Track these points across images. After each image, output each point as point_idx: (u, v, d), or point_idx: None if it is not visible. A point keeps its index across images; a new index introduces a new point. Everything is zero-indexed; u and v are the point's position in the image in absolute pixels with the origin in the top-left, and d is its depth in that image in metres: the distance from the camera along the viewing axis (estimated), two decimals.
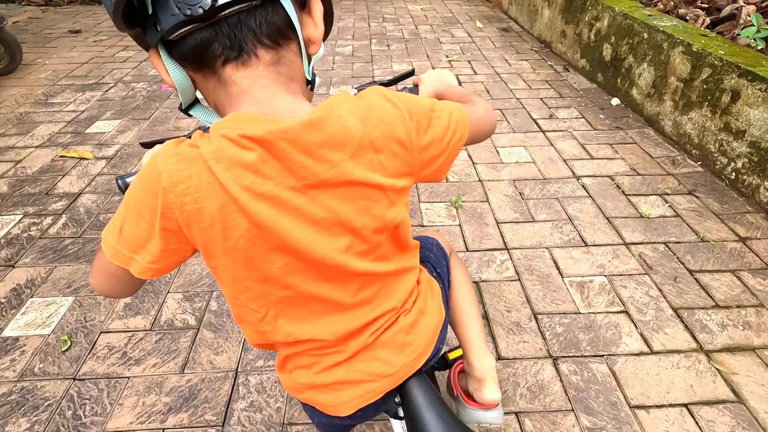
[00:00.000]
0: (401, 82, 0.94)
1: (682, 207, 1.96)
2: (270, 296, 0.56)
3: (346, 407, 0.64)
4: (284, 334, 0.59)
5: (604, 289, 1.57)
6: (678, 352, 1.36)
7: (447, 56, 3.77)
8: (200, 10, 0.45)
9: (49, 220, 1.90)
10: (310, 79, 0.57)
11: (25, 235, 1.82)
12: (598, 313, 1.48)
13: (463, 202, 2.00)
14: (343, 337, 0.61)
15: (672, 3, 2.84)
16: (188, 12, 0.45)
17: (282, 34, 0.51)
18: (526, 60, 3.68)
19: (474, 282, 1.60)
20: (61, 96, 3.06)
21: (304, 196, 0.49)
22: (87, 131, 2.62)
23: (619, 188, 2.08)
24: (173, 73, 0.51)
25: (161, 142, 0.78)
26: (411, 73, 0.94)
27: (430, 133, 0.56)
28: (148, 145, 0.79)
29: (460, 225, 1.88)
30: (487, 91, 3.12)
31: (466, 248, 1.75)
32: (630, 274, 1.62)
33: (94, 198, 2.04)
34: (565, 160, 2.31)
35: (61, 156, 2.36)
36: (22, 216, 1.92)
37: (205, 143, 0.47)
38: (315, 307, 0.58)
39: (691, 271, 1.63)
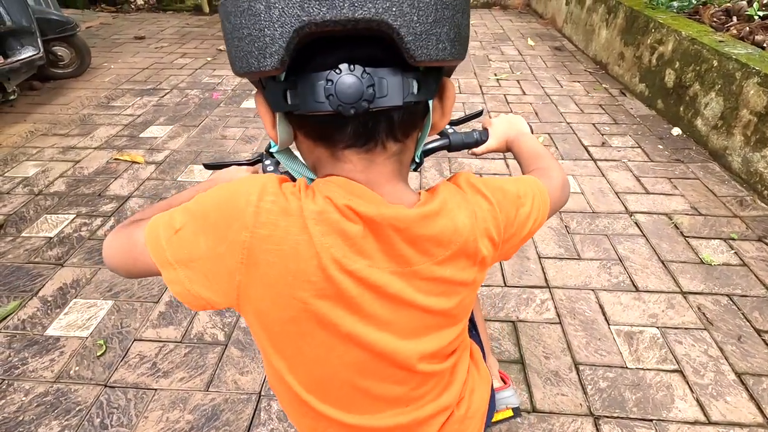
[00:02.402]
0: (469, 122, 0.91)
1: (749, 255, 1.77)
2: (320, 382, 0.52)
3: None
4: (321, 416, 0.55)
5: (656, 342, 1.43)
6: (740, 425, 1.21)
7: (495, 74, 3.68)
8: (352, 111, 0.40)
9: (98, 221, 1.99)
10: (418, 162, 0.56)
11: (75, 235, 1.91)
12: (648, 369, 1.35)
13: None
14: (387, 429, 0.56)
15: (747, 29, 2.63)
16: (338, 109, 0.40)
17: (415, 127, 0.49)
18: (579, 82, 3.53)
19: (510, 321, 1.51)
20: (121, 100, 3.24)
21: (400, 281, 0.47)
22: (141, 135, 2.74)
23: (678, 228, 1.92)
24: (281, 132, 0.47)
25: (226, 165, 0.77)
26: (479, 114, 0.90)
27: (515, 225, 0.54)
28: (211, 167, 0.77)
29: None
30: (536, 114, 3.00)
31: (505, 283, 1.66)
32: (686, 328, 1.48)
33: (140, 202, 2.11)
34: (617, 193, 2.16)
35: (116, 159, 2.47)
36: (75, 216, 2.02)
37: (310, 200, 0.44)
38: (364, 401, 0.54)
39: (758, 331, 1.46)
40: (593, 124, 2.85)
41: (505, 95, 3.30)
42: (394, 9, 0.37)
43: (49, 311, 1.54)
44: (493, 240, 0.52)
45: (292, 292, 0.45)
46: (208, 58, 4.09)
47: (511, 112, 3.03)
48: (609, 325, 1.49)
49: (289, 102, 0.42)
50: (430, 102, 0.47)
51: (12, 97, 3.10)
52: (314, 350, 0.49)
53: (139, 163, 2.44)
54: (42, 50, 3.09)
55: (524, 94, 3.32)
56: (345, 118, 0.42)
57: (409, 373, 0.53)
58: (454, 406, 0.60)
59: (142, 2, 6.07)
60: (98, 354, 1.40)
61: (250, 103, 3.21)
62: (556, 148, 2.57)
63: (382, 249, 0.46)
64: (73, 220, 2.00)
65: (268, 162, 0.76)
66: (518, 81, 3.56)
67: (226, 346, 1.43)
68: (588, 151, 2.53)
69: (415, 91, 0.42)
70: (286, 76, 0.42)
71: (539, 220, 0.58)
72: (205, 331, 1.48)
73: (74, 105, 3.17)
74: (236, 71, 0.42)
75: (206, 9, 5.82)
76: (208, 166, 0.74)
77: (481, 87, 3.44)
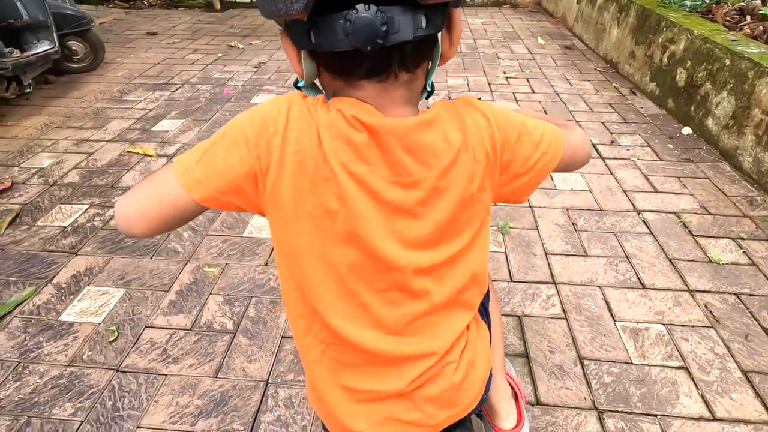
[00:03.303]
0: None
1: (759, 255, 1.76)
2: (320, 278, 0.55)
3: (359, 423, 0.60)
4: (322, 318, 0.57)
5: (662, 339, 1.43)
6: (746, 422, 1.21)
7: (504, 72, 3.67)
8: (368, 48, 0.45)
9: (111, 212, 2.02)
10: (429, 90, 0.59)
11: (89, 224, 1.94)
12: (653, 365, 1.35)
13: (510, 228, 1.92)
14: (379, 357, 0.58)
15: (761, 28, 2.60)
16: (356, 46, 0.45)
17: (425, 58, 0.53)
18: (589, 80, 3.51)
19: (515, 316, 1.52)
20: (133, 94, 3.29)
21: (397, 190, 0.51)
22: (153, 129, 2.78)
23: (686, 227, 1.91)
24: (306, 68, 0.52)
25: None
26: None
27: (516, 150, 0.56)
28: None
29: (505, 253, 1.80)
30: (545, 112, 2.99)
31: (511, 278, 1.67)
32: (693, 326, 1.48)
33: None
34: (625, 192, 2.16)
35: (128, 151, 2.51)
36: (88, 206, 2.06)
37: (323, 112, 0.50)
38: (357, 310, 0.56)
39: (766, 330, 1.46)
40: (603, 122, 2.84)
41: (514, 93, 3.29)
42: None
43: (63, 298, 1.58)
44: (488, 156, 0.54)
45: (312, 188, 0.50)
46: (219, 54, 4.13)
47: (519, 110, 3.02)
48: (615, 321, 1.50)
49: (313, 41, 0.47)
50: (439, 34, 0.51)
51: (28, 90, 3.16)
52: (321, 245, 0.53)
53: (150, 155, 2.48)
54: (57, 45, 3.15)
55: (533, 92, 3.32)
56: (362, 53, 0.46)
57: (401, 293, 0.56)
58: (439, 355, 0.60)
59: None
60: (110, 340, 1.43)
61: (259, 99, 3.24)
62: None
63: (384, 157, 0.50)
64: (86, 210, 2.04)
65: None
66: (527, 79, 3.55)
67: (235, 334, 1.45)
68: (597, 150, 2.52)
69: (424, 25, 0.46)
70: (309, 17, 0.45)
71: (550, 155, 0.58)
72: (214, 319, 1.50)
73: (88, 99, 3.22)
74: (265, 14, 0.47)
75: (217, 6, 5.87)
76: None
77: (489, 85, 3.43)
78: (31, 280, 1.65)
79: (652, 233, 1.89)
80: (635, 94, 3.25)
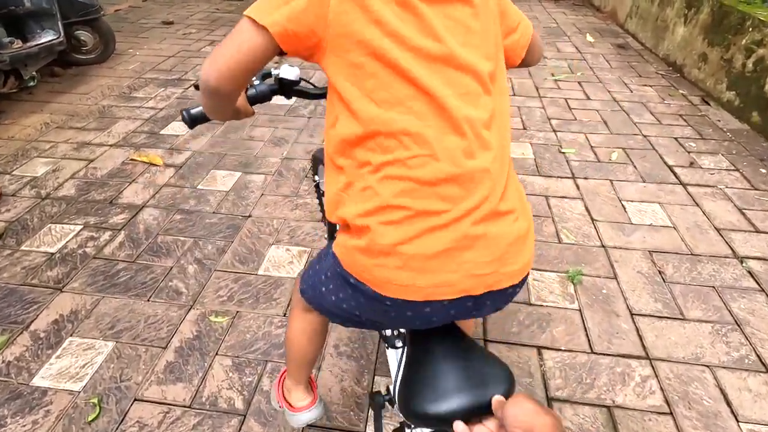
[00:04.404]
0: None
1: None
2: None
3: (418, 293, 0.58)
4: (374, 120, 0.57)
5: None
6: None
7: (552, 74, 3.28)
8: None
9: (107, 235, 1.74)
10: None
11: (80, 251, 1.66)
12: None
13: (583, 275, 1.56)
14: (443, 152, 0.56)
15: None
16: None
17: None
18: (650, 85, 3.09)
19: (604, 406, 1.18)
20: (143, 90, 3.00)
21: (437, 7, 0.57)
22: (161, 132, 2.49)
23: None
24: None
25: None
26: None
27: (509, 9, 0.70)
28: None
29: (580, 310, 1.45)
30: (605, 123, 2.60)
31: (591, 348, 1.32)
32: None
33: (155, 214, 1.85)
34: (718, 230, 1.78)
35: (132, 159, 2.23)
36: (82, 227, 1.78)
37: None
38: (414, 103, 0.57)
39: None
40: (675, 138, 2.44)
41: (566, 99, 2.90)
42: None
43: (39, 352, 1.30)
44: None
45: None
46: None
47: (575, 119, 2.65)
48: (737, 421, 1.14)
49: None
50: None
51: (31, 83, 2.90)
52: (393, 48, 0.55)
53: (157, 165, 2.19)
54: (63, 34, 2.87)
55: (588, 98, 2.92)
56: None
57: (477, 92, 0.59)
58: (500, 189, 0.60)
59: None
60: (90, 419, 1.13)
61: (280, 100, 2.91)
62: (635, 167, 2.18)
63: None
64: (79, 232, 1.75)
65: None
66: (579, 83, 3.15)
67: (245, 417, 1.14)
68: (674, 172, 2.14)
69: None
70: None
71: (526, 26, 0.73)
72: (219, 392, 1.20)
73: (94, 95, 2.94)
74: None
75: None
76: (198, 87, 0.72)
77: (537, 89, 3.05)
78: (5, 325, 1.38)
79: (763, 290, 1.51)
80: (708, 104, 2.82)
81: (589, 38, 4.05)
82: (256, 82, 0.87)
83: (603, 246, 1.70)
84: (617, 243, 1.71)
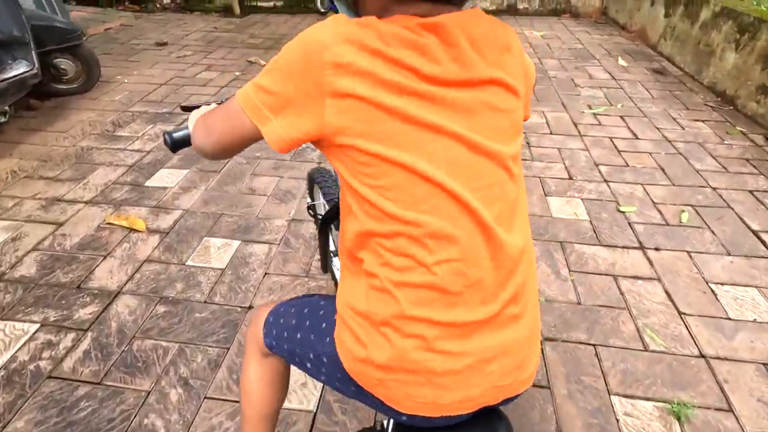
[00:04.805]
0: None
1: None
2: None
3: (437, 410, 0.54)
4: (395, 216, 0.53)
5: None
6: None
7: (590, 107, 2.93)
8: None
9: (69, 340, 1.36)
10: None
11: (32, 366, 1.29)
12: None
13: (690, 408, 1.19)
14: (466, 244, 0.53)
15: None
16: None
17: None
18: (703, 120, 2.75)
19: None
20: (129, 128, 2.64)
21: (466, 91, 0.52)
22: (147, 184, 2.13)
23: None
24: None
25: (207, 104, 0.76)
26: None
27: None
28: (188, 109, 0.75)
29: None
30: (662, 171, 2.25)
31: None
32: None
33: (133, 305, 1.48)
34: None
35: (109, 223, 1.86)
36: (38, 327, 1.41)
37: (382, 23, 0.50)
38: (435, 202, 0.52)
39: None
40: (750, 191, 2.08)
41: (611, 139, 2.55)
42: None
43: None
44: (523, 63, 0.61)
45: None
46: (237, 73, 3.47)
47: (626, 165, 2.29)
48: None
49: None
50: None
51: (2, 120, 2.56)
52: (406, 141, 0.51)
53: (139, 231, 1.82)
54: (37, 65, 2.52)
55: (636, 137, 2.57)
56: None
57: (495, 178, 0.55)
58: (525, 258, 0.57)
59: (168, 1, 5.52)
60: None
61: None
62: (712, 232, 1.82)
63: (449, 53, 0.51)
64: (34, 334, 1.38)
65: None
66: (621, 117, 2.80)
67: None
68: (762, 241, 1.77)
69: None
70: None
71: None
72: None
73: (73, 133, 2.58)
74: None
75: (237, 10, 5.24)
76: (185, 108, 0.72)
77: (576, 125, 2.69)
78: None
79: None
80: None
81: (622, 62, 3.71)
82: None
83: (702, 356, 1.33)
84: (720, 351, 1.34)
